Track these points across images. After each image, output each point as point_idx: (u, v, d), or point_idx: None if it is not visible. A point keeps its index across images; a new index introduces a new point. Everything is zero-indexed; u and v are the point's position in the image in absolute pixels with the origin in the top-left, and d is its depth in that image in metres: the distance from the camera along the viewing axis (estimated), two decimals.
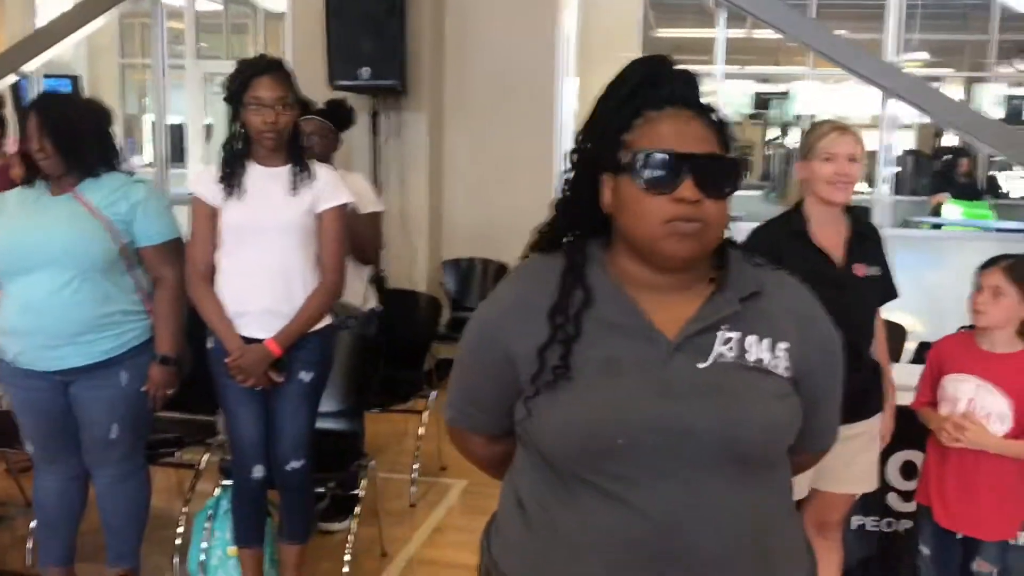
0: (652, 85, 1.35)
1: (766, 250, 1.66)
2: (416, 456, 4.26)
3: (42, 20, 6.94)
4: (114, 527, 3.11)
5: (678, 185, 1.28)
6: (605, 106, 1.38)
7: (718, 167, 1.32)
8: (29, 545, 3.26)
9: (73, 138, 2.87)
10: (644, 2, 9.39)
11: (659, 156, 1.29)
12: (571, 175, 1.44)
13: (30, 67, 6.64)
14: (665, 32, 10.44)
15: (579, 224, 1.43)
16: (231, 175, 2.89)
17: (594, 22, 9.07)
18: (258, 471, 3.01)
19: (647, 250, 1.33)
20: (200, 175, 3.00)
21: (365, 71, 5.16)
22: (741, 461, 1.31)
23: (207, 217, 2.91)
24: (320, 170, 2.97)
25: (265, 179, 2.89)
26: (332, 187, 2.95)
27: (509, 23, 5.58)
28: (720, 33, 5.89)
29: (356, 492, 3.44)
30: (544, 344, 1.33)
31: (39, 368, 2.89)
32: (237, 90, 2.87)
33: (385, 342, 3.84)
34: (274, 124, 2.84)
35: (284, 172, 2.90)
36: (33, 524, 3.17)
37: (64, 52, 8.05)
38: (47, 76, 7.27)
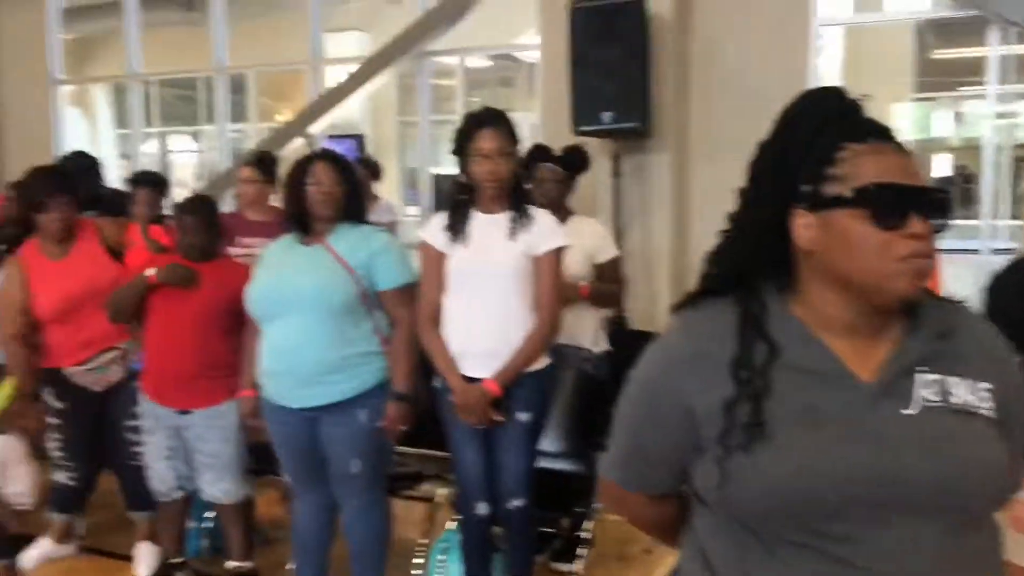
0: (843, 116, 1.29)
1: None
2: None
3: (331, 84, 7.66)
4: (359, 554, 3.34)
5: (908, 220, 1.21)
6: (791, 138, 1.31)
7: (941, 201, 1.25)
8: (289, 567, 3.54)
9: (355, 186, 3.19)
10: (918, 24, 8.82)
11: (893, 190, 1.22)
12: (747, 212, 1.38)
13: (316, 128, 7.37)
14: (942, 53, 9.72)
15: (753, 265, 1.36)
16: (456, 222, 3.03)
17: (864, 48, 8.63)
18: (482, 508, 3.10)
19: (872, 288, 1.24)
20: (429, 223, 3.18)
21: (607, 115, 5.22)
22: (960, 510, 1.22)
23: (435, 262, 3.08)
24: (539, 215, 3.04)
25: (487, 225, 3.01)
26: (549, 231, 3.02)
27: (761, 58, 5.43)
28: (994, 51, 5.39)
29: (582, 534, 3.43)
30: (731, 400, 1.26)
31: (291, 405, 3.17)
32: (462, 142, 3.02)
33: (617, 384, 3.81)
34: (495, 173, 2.95)
35: (504, 218, 3.00)
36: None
37: (349, 113, 8.86)
38: (331, 136, 8.04)
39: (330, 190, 3.13)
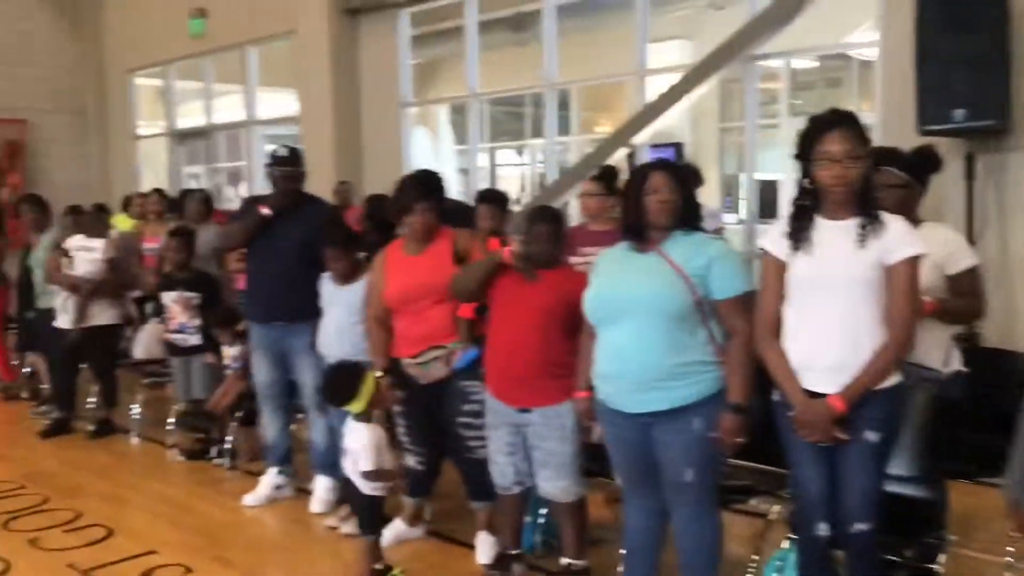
0: None
1: None
2: (1012, 537, 3.78)
3: (651, 96, 7.74)
4: (688, 564, 3.32)
5: None
6: None
7: None
8: (620, 569, 3.60)
9: (689, 196, 3.21)
10: None
11: None
12: None
13: (638, 139, 7.47)
14: None
15: None
16: (798, 229, 2.93)
17: None
18: (822, 529, 2.97)
19: None
20: (770, 230, 3.10)
21: (959, 112, 4.81)
22: None
23: (775, 271, 2.99)
24: (891, 221, 2.86)
25: (832, 232, 2.88)
26: (903, 239, 2.82)
27: None
28: None
29: (934, 567, 3.17)
30: None
31: (625, 409, 3.22)
32: (806, 146, 2.91)
33: (972, 406, 3.50)
34: (843, 178, 2.82)
35: (852, 225, 2.86)
36: (622, 551, 3.51)
37: (670, 122, 8.88)
38: (653, 146, 8.10)
39: (667, 198, 3.15)
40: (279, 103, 11.76)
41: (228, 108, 12.53)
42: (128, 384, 6.97)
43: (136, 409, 6.53)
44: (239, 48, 11.47)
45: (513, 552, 3.95)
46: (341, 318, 4.49)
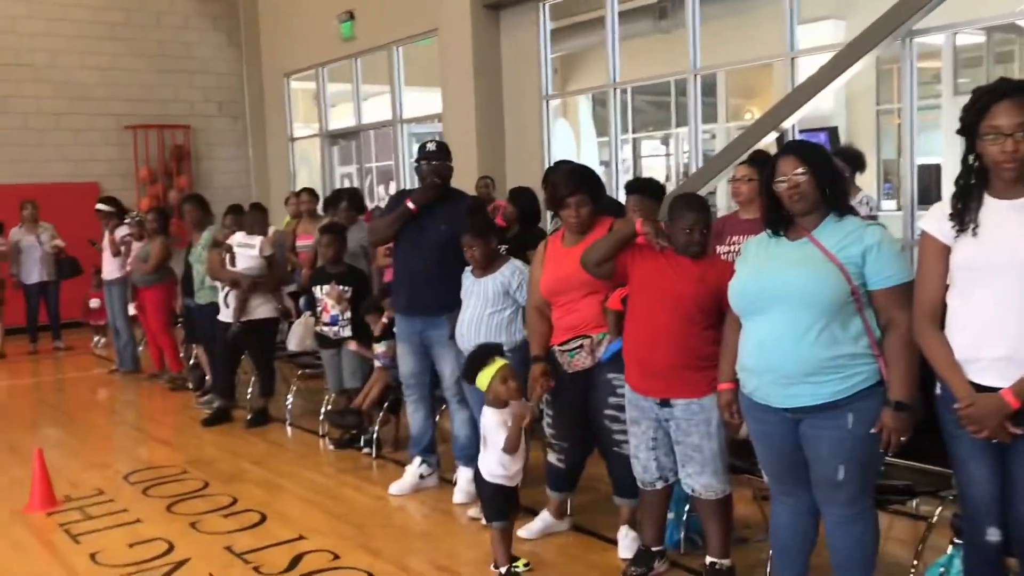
0: None
1: None
2: None
3: (800, 78, 7.43)
4: (841, 567, 3.15)
5: None
6: None
7: None
8: (767, 570, 3.46)
9: (830, 176, 3.03)
10: None
11: None
12: None
13: (788, 123, 7.18)
14: None
15: None
16: (963, 210, 2.71)
17: None
18: (993, 534, 2.74)
19: None
20: (931, 211, 2.88)
21: None
22: None
23: (937, 256, 2.78)
24: None
25: (1002, 213, 2.65)
26: None
27: None
28: None
29: None
30: None
31: (771, 404, 3.07)
32: (972, 120, 2.68)
33: None
34: (1014, 154, 2.58)
35: (1023, 204, 2.62)
36: (771, 551, 3.35)
37: (823, 106, 8.50)
38: (803, 130, 7.77)
39: (796, 184, 2.98)
40: (424, 102, 11.97)
41: (376, 109, 12.86)
42: (284, 375, 7.26)
43: (290, 399, 6.79)
44: (385, 48, 11.75)
45: (655, 549, 3.85)
46: (477, 309, 4.49)
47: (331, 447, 6.04)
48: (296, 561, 4.18)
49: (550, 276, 4.07)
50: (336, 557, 4.22)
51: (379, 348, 5.69)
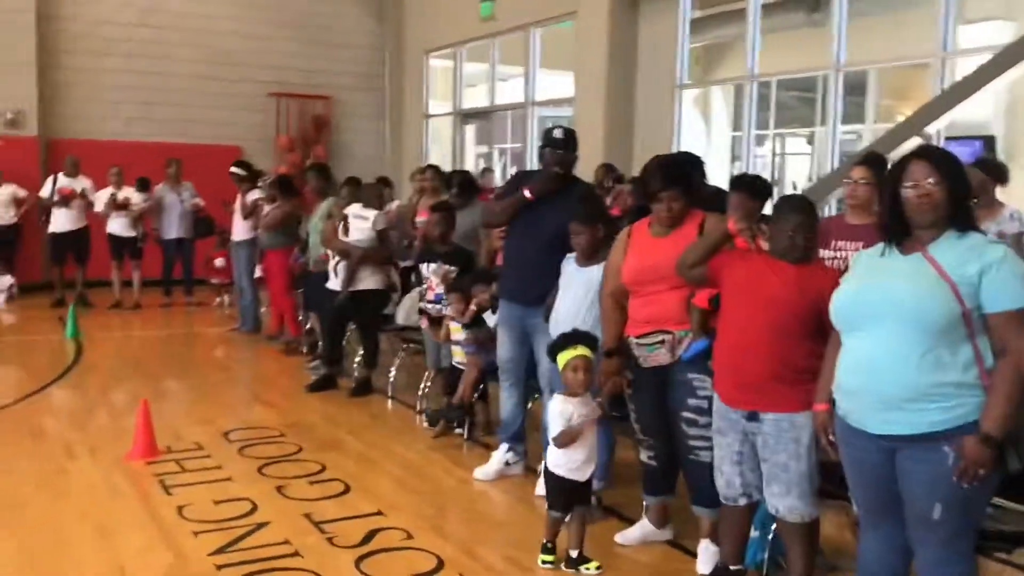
0: None
1: None
2: None
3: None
4: None
5: None
6: None
7: None
8: None
9: (964, 189, 2.77)
10: None
11: None
12: None
13: (932, 128, 6.70)
14: None
15: None
16: None
17: None
18: None
19: None
20: None
21: None
22: None
23: None
24: None
25: None
26: None
27: None
28: None
29: None
30: None
31: (867, 429, 2.84)
32: None
33: None
34: None
35: None
36: None
37: (978, 112, 7.92)
38: (951, 138, 7.25)
39: (927, 192, 2.72)
40: (557, 85, 11.86)
41: (511, 90, 12.82)
42: (391, 348, 7.32)
43: (393, 372, 6.85)
44: (523, 30, 11.68)
45: (733, 568, 3.65)
46: (576, 298, 4.37)
47: (426, 424, 6.03)
48: (370, 537, 4.18)
49: (634, 264, 3.90)
50: (409, 537, 4.20)
51: (463, 334, 5.65)
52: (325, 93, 14.04)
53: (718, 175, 9.11)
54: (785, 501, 3.38)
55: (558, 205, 4.64)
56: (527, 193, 4.75)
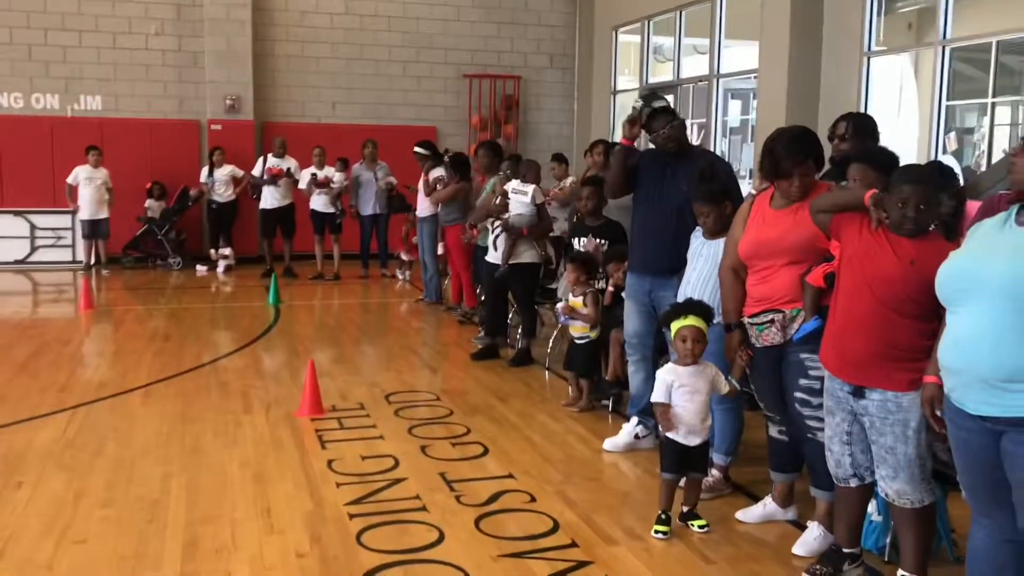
0: None
1: None
2: None
3: None
4: None
5: None
6: None
7: None
8: None
9: None
10: None
11: None
12: None
13: None
14: None
15: None
16: None
17: None
18: None
19: None
20: None
21: None
22: None
23: None
24: None
25: None
26: None
27: None
28: None
29: None
30: None
31: (968, 409, 2.69)
32: None
33: None
34: None
35: None
36: None
37: None
38: None
39: None
40: (742, 57, 11.52)
41: (696, 64, 12.58)
42: (553, 320, 7.48)
43: (551, 344, 7.01)
44: (710, 0, 11.43)
45: (847, 550, 3.54)
46: (703, 272, 4.34)
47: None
48: (495, 497, 4.37)
49: (751, 237, 3.81)
50: (532, 500, 4.35)
51: (559, 305, 5.79)
52: (516, 73, 14.35)
53: (920, 148, 8.61)
54: (894, 485, 3.24)
55: (683, 175, 4.60)
56: (627, 159, 4.85)
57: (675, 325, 3.88)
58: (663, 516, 3.96)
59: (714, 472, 4.42)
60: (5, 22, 12.47)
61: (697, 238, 4.47)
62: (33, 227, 12.87)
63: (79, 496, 4.34)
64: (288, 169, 11.93)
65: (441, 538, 3.92)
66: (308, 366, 5.81)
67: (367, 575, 3.58)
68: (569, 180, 9.20)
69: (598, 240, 6.06)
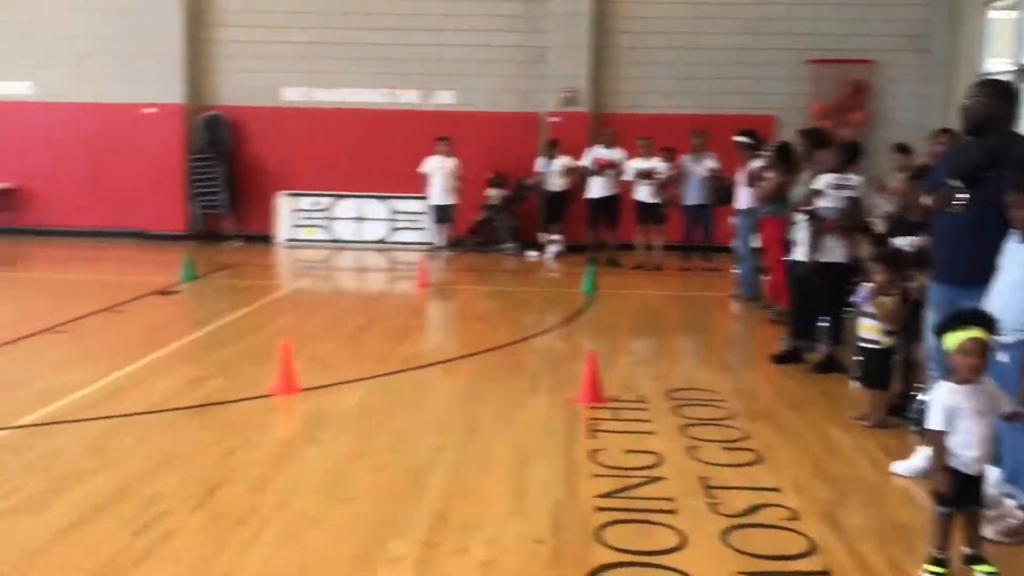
0: None
1: None
2: None
3: None
4: None
5: None
6: None
7: None
8: None
9: None
10: None
11: None
12: None
13: None
14: None
15: None
16: None
17: None
18: None
19: None
20: None
21: None
22: None
23: None
24: None
25: None
26: None
27: None
28: None
29: None
30: None
31: None
32: None
33: None
34: None
35: None
36: None
37: None
38: None
39: None
40: None
41: None
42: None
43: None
44: None
45: None
46: (1012, 280, 3.71)
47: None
48: (753, 510, 4.09)
49: None
50: (793, 518, 4.02)
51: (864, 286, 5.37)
52: (866, 57, 13.30)
53: None
54: None
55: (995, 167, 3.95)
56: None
57: (955, 336, 3.35)
58: (936, 555, 3.46)
59: (1017, 511, 3.79)
60: (375, 24, 13.85)
61: (1012, 240, 3.83)
62: (393, 211, 14.20)
63: (358, 458, 4.71)
64: (616, 160, 12.06)
65: (682, 544, 3.74)
66: (588, 355, 5.83)
67: (596, 571, 3.51)
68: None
69: (917, 239, 5.42)
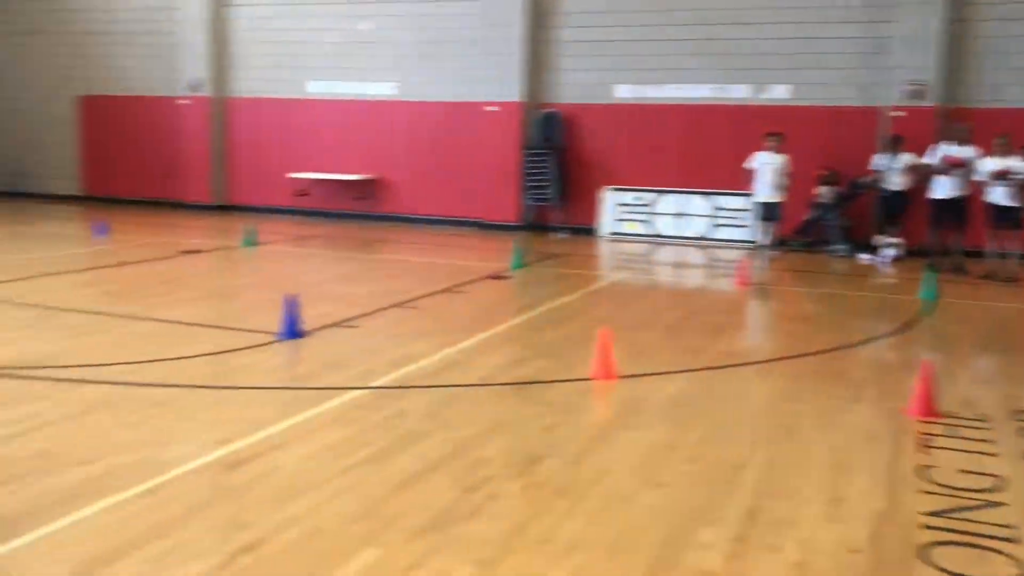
0: None
1: None
2: None
3: None
4: None
5: None
6: None
7: None
8: None
9: None
10: None
11: None
12: None
13: None
14: None
15: None
16: None
17: None
18: None
19: None
20: None
21: None
22: None
23: None
24: None
25: None
26: None
27: None
28: None
29: None
30: None
31: None
32: None
33: None
34: None
35: None
36: None
37: None
38: None
39: None
40: None
41: None
42: None
43: None
44: None
45: None
46: None
47: None
48: None
49: None
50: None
51: None
52: None
53: None
54: None
55: None
56: None
57: None
58: None
59: None
60: (702, 20, 13.76)
61: None
62: (715, 207, 14.06)
63: (673, 447, 4.76)
64: (968, 159, 11.05)
65: None
66: (922, 366, 5.43)
67: None
68: None
69: None
